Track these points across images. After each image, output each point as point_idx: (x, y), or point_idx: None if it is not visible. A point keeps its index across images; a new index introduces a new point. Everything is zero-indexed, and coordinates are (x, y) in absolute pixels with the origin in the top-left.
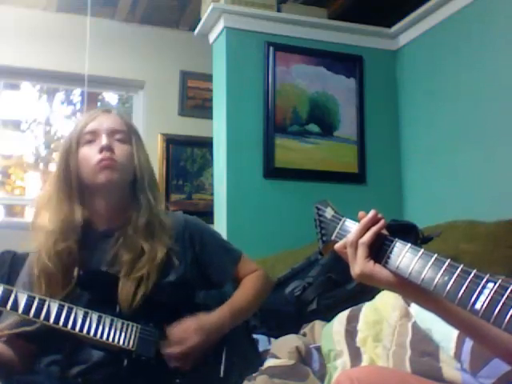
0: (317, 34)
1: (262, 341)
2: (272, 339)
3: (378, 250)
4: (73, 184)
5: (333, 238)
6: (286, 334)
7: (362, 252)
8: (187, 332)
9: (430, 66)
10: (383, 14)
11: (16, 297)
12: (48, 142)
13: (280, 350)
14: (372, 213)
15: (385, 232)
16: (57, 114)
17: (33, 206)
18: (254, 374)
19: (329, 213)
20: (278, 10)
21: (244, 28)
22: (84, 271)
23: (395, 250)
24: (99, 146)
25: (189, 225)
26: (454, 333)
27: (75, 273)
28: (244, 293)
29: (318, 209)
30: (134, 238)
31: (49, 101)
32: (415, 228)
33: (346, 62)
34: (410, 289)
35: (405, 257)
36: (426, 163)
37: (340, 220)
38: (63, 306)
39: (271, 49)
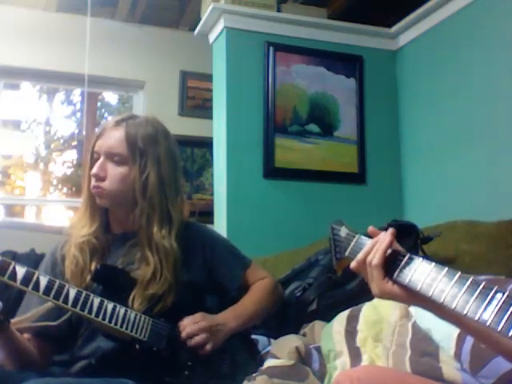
0: (317, 33)
1: (261, 341)
2: (272, 339)
3: (391, 265)
4: (91, 194)
5: (346, 254)
6: (286, 334)
7: (377, 274)
8: (198, 320)
9: (430, 66)
10: (383, 14)
11: (38, 279)
12: (48, 142)
13: (280, 350)
14: (381, 234)
15: (398, 246)
16: (57, 114)
17: (33, 204)
18: (253, 374)
19: (343, 231)
20: (278, 10)
21: (244, 28)
22: (101, 265)
23: (407, 264)
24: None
25: (201, 233)
26: (454, 333)
27: (92, 267)
28: (250, 298)
29: (333, 228)
30: (141, 245)
31: (49, 101)
32: (415, 228)
33: (346, 62)
34: (427, 302)
35: (416, 271)
36: (426, 163)
37: (354, 237)
38: (81, 292)
39: (271, 49)
